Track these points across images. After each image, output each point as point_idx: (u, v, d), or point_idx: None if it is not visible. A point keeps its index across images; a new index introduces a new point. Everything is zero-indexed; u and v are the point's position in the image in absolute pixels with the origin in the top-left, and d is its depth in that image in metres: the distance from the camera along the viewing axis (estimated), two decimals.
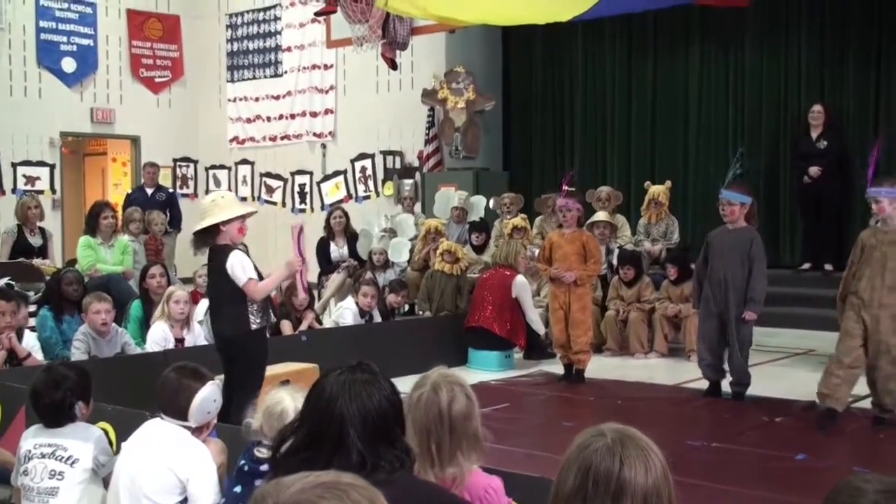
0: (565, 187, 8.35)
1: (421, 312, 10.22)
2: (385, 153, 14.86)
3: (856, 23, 11.82)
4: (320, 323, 9.27)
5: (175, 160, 16.81)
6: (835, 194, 11.17)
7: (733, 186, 7.48)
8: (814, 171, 11.16)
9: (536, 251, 9.22)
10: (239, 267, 5.72)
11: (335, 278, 11.02)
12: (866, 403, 6.75)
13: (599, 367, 8.71)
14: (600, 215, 10.58)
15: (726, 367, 7.51)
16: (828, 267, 10.96)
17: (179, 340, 7.51)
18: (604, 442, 2.00)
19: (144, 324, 8.03)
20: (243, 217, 5.89)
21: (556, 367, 8.55)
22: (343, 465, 2.26)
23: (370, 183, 15.08)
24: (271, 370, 6.35)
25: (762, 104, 12.58)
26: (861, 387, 6.66)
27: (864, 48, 11.78)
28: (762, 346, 9.36)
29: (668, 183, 11.02)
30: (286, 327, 8.67)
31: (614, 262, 10.19)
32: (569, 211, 8.22)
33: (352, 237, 11.71)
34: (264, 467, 3.38)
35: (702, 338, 7.60)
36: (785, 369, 8.82)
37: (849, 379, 6.45)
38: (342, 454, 2.33)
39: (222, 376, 5.16)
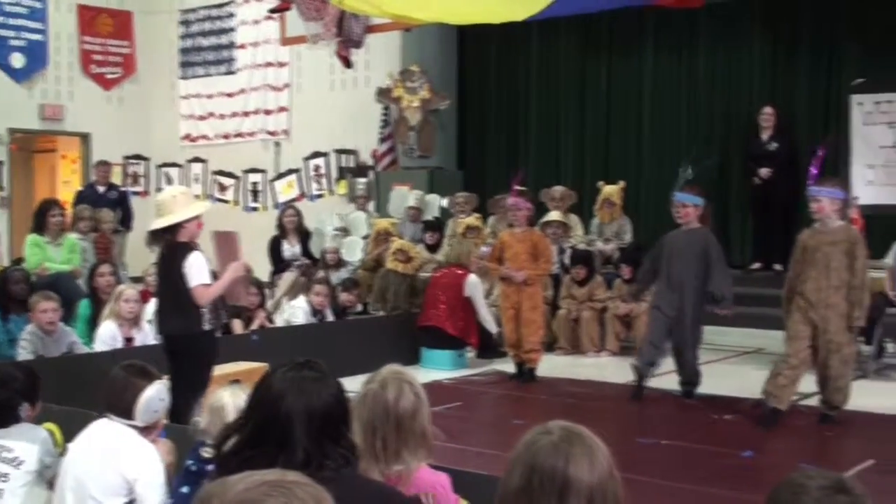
0: (516, 187, 8.39)
1: (374, 312, 10.20)
2: (339, 151, 14.80)
3: (807, 25, 11.98)
4: (272, 322, 9.22)
5: (126, 158, 16.60)
6: (784, 195, 11.30)
7: (686, 188, 7.55)
8: (764, 172, 11.29)
9: (486, 250, 9.25)
10: (196, 268, 5.68)
11: (287, 277, 10.96)
12: (813, 401, 6.84)
13: (551, 366, 8.75)
14: (553, 215, 10.63)
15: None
16: (777, 267, 11.07)
17: (128, 340, 7.43)
18: (550, 439, 2.00)
19: (93, 323, 7.93)
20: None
21: (508, 366, 8.58)
22: (288, 463, 2.24)
23: (324, 181, 15.02)
24: (222, 369, 6.30)
25: (714, 105, 12.71)
26: (807, 384, 6.75)
27: (815, 51, 11.94)
28: (712, 345, 9.45)
29: (622, 183, 11.11)
30: (237, 326, 8.61)
31: (567, 261, 10.24)
32: (518, 210, 8.25)
33: (304, 236, 11.65)
34: (211, 467, 3.35)
35: (650, 337, 7.63)
36: (734, 367, 8.92)
37: (795, 379, 6.54)
38: (287, 452, 2.31)
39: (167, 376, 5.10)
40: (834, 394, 6.50)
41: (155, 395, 3.86)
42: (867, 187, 10.37)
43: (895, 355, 8.94)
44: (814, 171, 6.75)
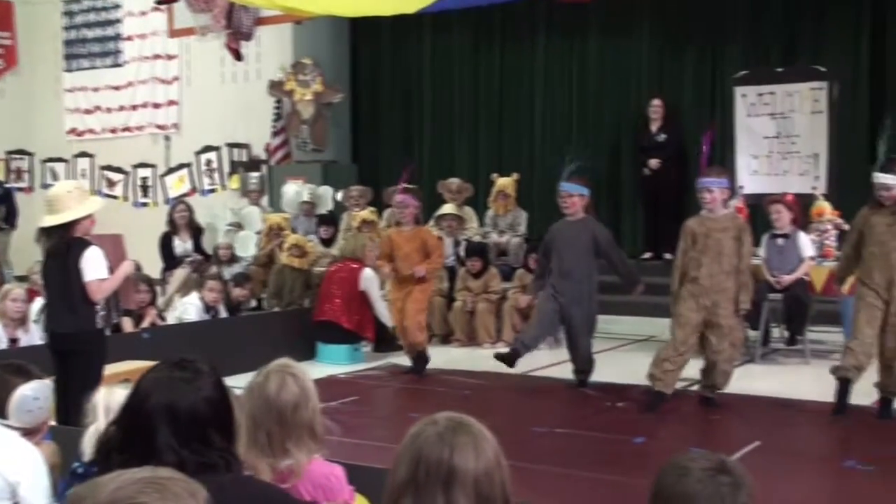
0: (403, 184, 8.36)
1: (269, 308, 10.09)
2: (231, 146, 14.59)
3: (694, 17, 12.25)
4: (163, 319, 9.04)
5: (9, 153, 16.11)
6: (673, 186, 11.55)
7: (572, 178, 7.65)
8: (653, 163, 11.52)
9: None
10: (93, 262, 5.58)
11: (179, 273, 10.74)
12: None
13: (448, 359, 8.78)
14: (447, 208, 10.67)
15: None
16: (668, 256, 11.25)
17: (13, 341, 7.20)
18: (435, 430, 2.01)
19: None
20: None
21: (404, 360, 8.57)
22: (158, 465, 2.17)
23: (216, 176, 14.78)
24: (112, 369, 6.15)
25: (605, 97, 12.91)
26: (692, 370, 6.90)
27: (701, 43, 12.22)
28: (605, 334, 9.60)
29: (515, 175, 11.20)
30: (127, 324, 8.41)
31: (462, 253, 10.28)
32: (405, 207, 8.24)
33: (196, 231, 11.47)
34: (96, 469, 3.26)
35: (536, 321, 7.71)
36: (627, 355, 9.08)
37: (681, 365, 6.71)
38: (156, 454, 2.23)
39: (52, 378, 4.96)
40: (719, 376, 6.66)
41: (29, 394, 3.72)
42: (751, 177, 10.65)
43: (780, 340, 9.22)
44: (704, 162, 6.92)
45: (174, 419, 2.27)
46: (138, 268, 6.69)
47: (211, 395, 2.35)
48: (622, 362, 8.60)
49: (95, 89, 15.77)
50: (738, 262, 6.63)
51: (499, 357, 7.53)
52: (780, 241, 8.60)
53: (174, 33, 13.79)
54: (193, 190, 14.89)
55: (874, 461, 5.20)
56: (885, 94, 11.14)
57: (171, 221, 11.48)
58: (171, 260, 11.21)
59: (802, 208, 9.14)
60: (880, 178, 6.22)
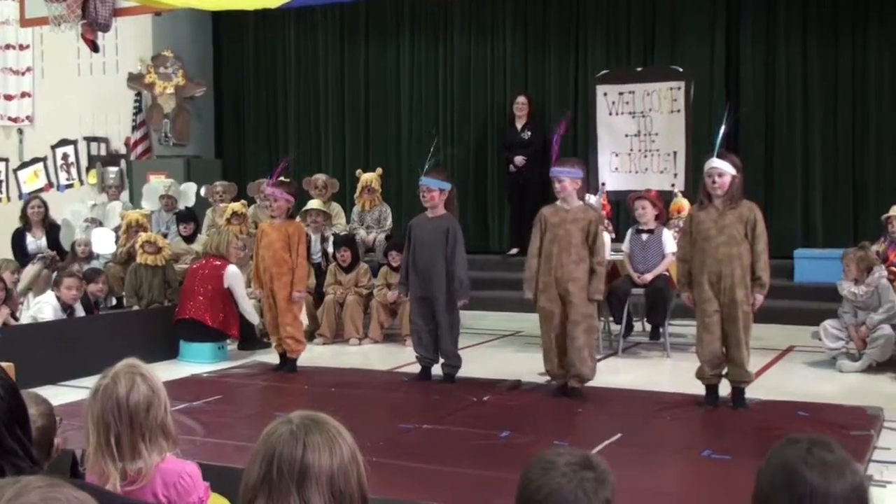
0: (277, 177, 8.24)
1: (129, 306, 9.81)
2: (89, 139, 14.16)
3: (556, 16, 12.44)
4: (16, 319, 8.68)
5: None
6: (538, 183, 11.67)
7: (432, 173, 7.66)
8: (518, 160, 11.66)
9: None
10: None
11: (29, 270, 10.33)
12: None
13: (314, 356, 8.70)
14: (313, 203, 10.56)
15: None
16: None
17: None
18: (288, 428, 2.01)
19: None
20: None
21: (270, 358, 8.45)
22: None
23: (73, 171, 14.32)
24: None
25: (471, 94, 13.00)
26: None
27: (564, 39, 12.43)
28: (472, 329, 9.68)
29: (379, 170, 11.16)
30: None
31: (329, 249, 10.19)
32: (276, 201, 8.12)
33: (51, 227, 11.08)
34: None
35: (413, 323, 7.74)
36: (494, 350, 9.16)
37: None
38: None
39: None
40: (581, 365, 6.76)
41: None
42: (613, 174, 10.88)
43: (642, 333, 9.45)
44: (556, 151, 7.02)
45: None
46: None
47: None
48: (489, 357, 8.67)
49: None
50: (591, 255, 6.75)
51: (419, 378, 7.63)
52: (644, 236, 8.79)
53: (26, 23, 13.23)
54: (50, 185, 14.40)
55: (729, 450, 5.36)
56: (739, 94, 11.55)
57: (24, 217, 11.06)
58: (24, 257, 10.80)
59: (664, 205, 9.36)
60: (714, 162, 6.37)
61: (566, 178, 6.83)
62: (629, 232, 8.98)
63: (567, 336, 6.77)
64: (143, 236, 9.79)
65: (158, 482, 2.81)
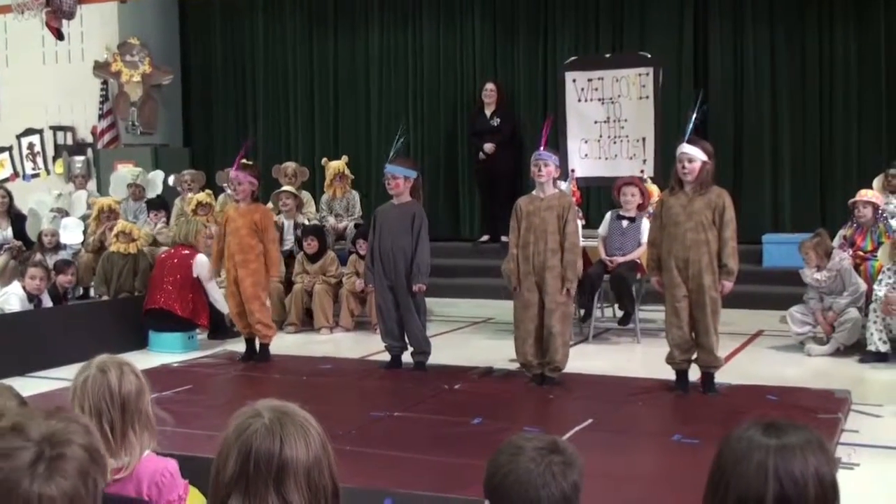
0: (241, 160, 8.15)
1: (98, 296, 9.74)
2: (55, 128, 14.03)
3: (524, 1, 12.43)
4: None
5: None
6: (508, 170, 11.72)
7: (398, 160, 7.65)
8: (488, 147, 11.66)
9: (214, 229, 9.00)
10: None
11: None
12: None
13: (285, 344, 8.67)
14: (284, 187, 10.55)
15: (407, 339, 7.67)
16: (504, 239, 11.44)
17: None
18: (262, 423, 1.97)
19: None
20: None
21: (240, 347, 8.40)
22: None
23: (39, 160, 14.18)
24: None
25: (440, 81, 12.98)
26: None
27: (533, 26, 12.42)
28: (443, 316, 9.68)
29: (345, 157, 11.11)
30: None
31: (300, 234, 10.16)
32: (240, 184, 8.04)
33: (17, 218, 10.97)
34: None
35: (380, 310, 7.71)
36: (465, 337, 9.17)
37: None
38: None
39: None
40: (555, 354, 6.78)
41: None
42: (583, 161, 10.88)
43: (612, 319, 9.48)
44: (542, 143, 7.00)
45: None
46: None
47: None
48: (460, 344, 8.67)
49: None
50: (564, 240, 6.76)
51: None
52: (624, 223, 8.81)
53: None
54: (15, 174, 14.27)
55: (699, 434, 5.39)
56: (708, 80, 11.60)
57: None
58: None
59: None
60: (685, 148, 6.41)
61: (551, 163, 6.85)
62: (608, 216, 9.00)
63: (543, 325, 6.78)
64: (118, 225, 9.72)
65: (140, 481, 2.83)
